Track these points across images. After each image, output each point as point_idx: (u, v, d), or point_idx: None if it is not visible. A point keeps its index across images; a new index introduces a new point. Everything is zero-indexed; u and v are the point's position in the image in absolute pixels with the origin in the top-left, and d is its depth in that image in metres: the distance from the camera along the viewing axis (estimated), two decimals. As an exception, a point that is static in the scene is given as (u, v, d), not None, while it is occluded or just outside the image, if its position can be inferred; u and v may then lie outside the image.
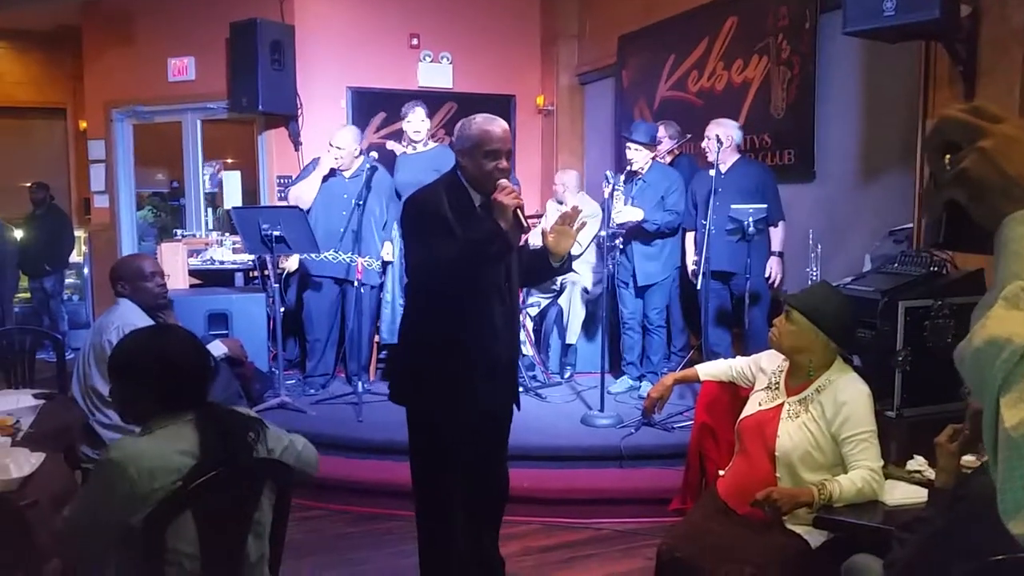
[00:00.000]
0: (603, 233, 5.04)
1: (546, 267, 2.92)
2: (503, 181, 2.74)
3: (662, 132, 5.51)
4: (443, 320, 2.84)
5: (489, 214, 2.71)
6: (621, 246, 5.05)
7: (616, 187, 5.02)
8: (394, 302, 5.63)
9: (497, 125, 2.81)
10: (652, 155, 5.18)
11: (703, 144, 4.93)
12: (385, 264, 5.59)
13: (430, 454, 2.93)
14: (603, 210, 5.01)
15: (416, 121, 5.54)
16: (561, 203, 6.03)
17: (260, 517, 2.12)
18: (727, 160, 4.90)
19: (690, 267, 5.05)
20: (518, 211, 2.68)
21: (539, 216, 6.27)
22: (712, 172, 4.81)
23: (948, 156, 0.90)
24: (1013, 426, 0.76)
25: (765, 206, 4.56)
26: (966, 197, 0.88)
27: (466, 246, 2.69)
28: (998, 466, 0.80)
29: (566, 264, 2.96)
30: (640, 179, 5.13)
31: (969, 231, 0.90)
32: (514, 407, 3.10)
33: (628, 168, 5.15)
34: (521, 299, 5.42)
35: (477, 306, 2.82)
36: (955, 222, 0.92)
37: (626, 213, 4.97)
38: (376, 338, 5.81)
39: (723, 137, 4.85)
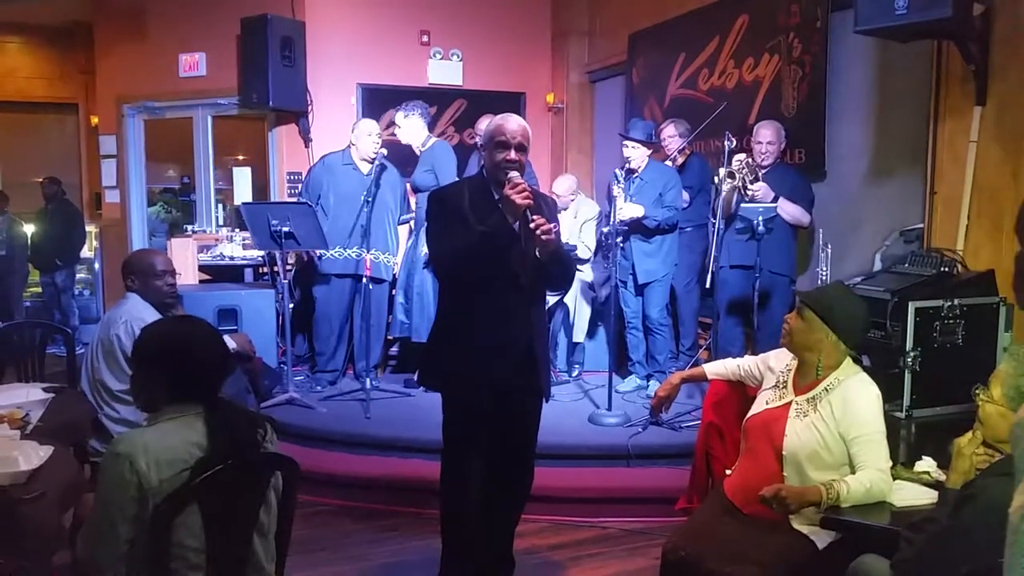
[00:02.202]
0: (605, 230, 5.03)
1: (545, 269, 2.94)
2: (514, 175, 2.77)
3: (672, 131, 5.50)
4: (458, 305, 2.97)
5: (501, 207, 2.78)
6: (622, 244, 5.04)
7: (618, 184, 5.02)
8: (409, 299, 5.60)
9: (511, 120, 2.88)
10: (648, 153, 5.17)
11: (758, 150, 4.82)
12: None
13: (454, 437, 3.02)
14: (611, 208, 5.00)
15: (402, 127, 5.56)
16: (563, 210, 6.03)
17: (267, 516, 2.12)
18: (770, 161, 4.85)
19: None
20: (527, 212, 2.72)
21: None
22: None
23: None
24: (1014, 509, 0.72)
25: (775, 205, 4.54)
26: None
27: (472, 237, 2.77)
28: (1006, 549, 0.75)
29: (558, 262, 2.96)
30: (637, 177, 5.12)
31: None
32: (542, 398, 3.09)
33: (627, 166, 5.14)
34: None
35: (489, 292, 2.87)
36: None
37: (627, 209, 4.97)
38: (387, 334, 5.81)
39: (776, 140, 4.82)
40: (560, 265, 2.96)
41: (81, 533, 2.02)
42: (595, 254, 5.83)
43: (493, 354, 2.89)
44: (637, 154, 5.10)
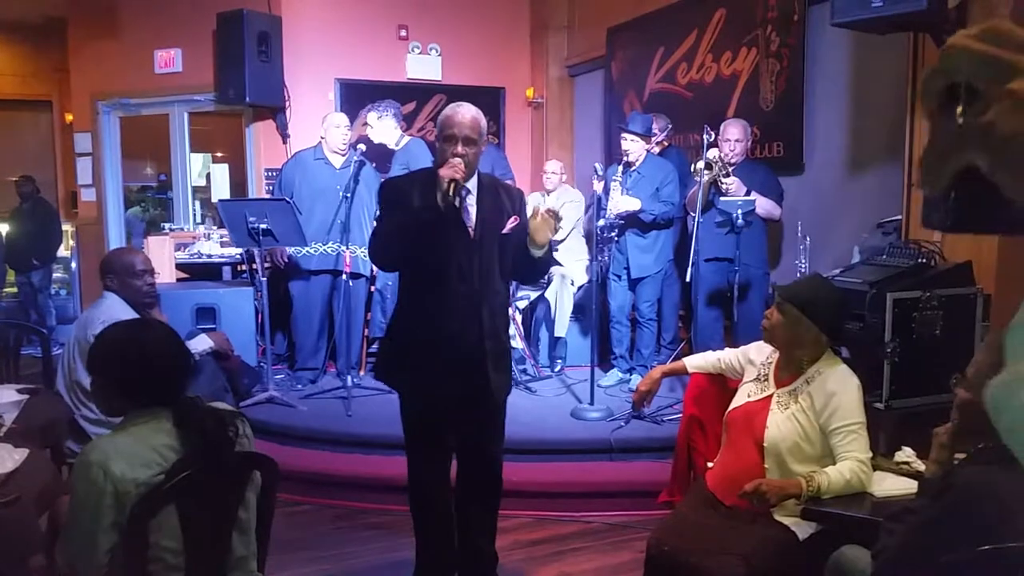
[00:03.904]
0: (602, 222, 5.02)
1: (528, 259, 2.89)
2: (456, 160, 2.74)
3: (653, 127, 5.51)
4: (407, 299, 2.96)
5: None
6: (617, 237, 5.04)
7: (613, 177, 5.02)
8: (383, 297, 5.62)
9: (460, 111, 2.81)
10: (647, 146, 5.18)
11: (726, 148, 4.81)
12: None
13: (408, 435, 2.99)
14: (596, 202, 4.99)
15: (375, 128, 5.55)
16: (550, 192, 6.05)
17: (245, 513, 2.10)
18: (737, 159, 4.86)
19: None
20: (453, 184, 2.69)
21: None
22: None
23: (961, 107, 0.63)
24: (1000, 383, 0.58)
25: (754, 198, 4.56)
26: (991, 162, 0.62)
27: (399, 217, 2.77)
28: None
29: (546, 255, 2.91)
30: (635, 170, 5.12)
31: (987, 208, 0.65)
32: (500, 395, 3.01)
33: (625, 159, 5.13)
34: (511, 291, 5.41)
35: (435, 286, 2.84)
36: (967, 197, 0.67)
37: (623, 203, 4.97)
38: (366, 331, 5.79)
39: (743, 137, 4.84)
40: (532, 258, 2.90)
41: (59, 546, 1.98)
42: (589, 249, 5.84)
43: (436, 351, 2.84)
44: (636, 147, 5.09)
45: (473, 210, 2.87)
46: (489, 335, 2.91)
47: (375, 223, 3.00)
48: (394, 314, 3.12)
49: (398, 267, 3.11)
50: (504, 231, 2.85)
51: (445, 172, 2.70)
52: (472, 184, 2.88)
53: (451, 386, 2.87)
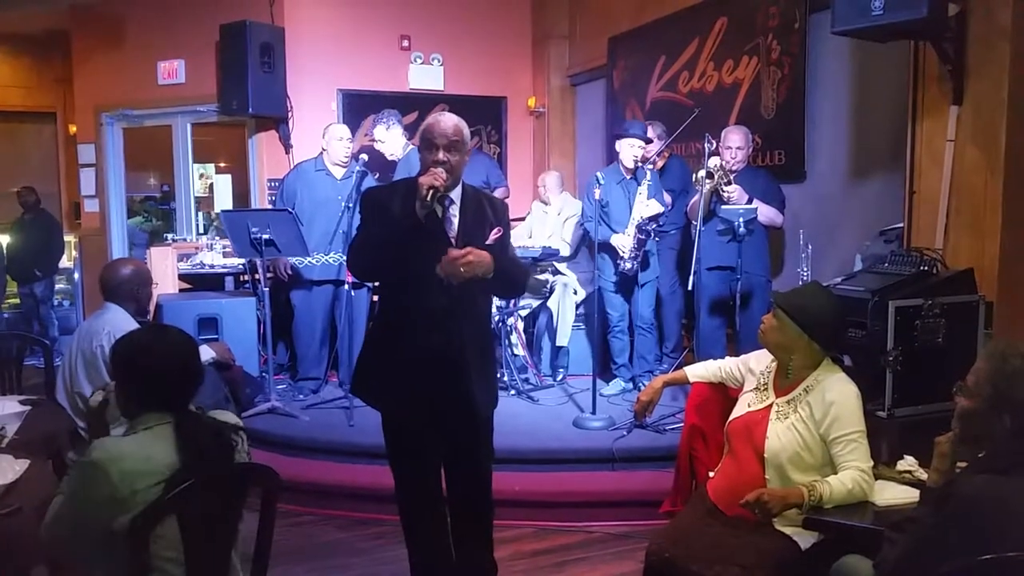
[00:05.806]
0: (652, 222, 4.99)
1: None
2: (437, 168, 2.73)
3: (650, 133, 5.51)
4: (385, 310, 2.94)
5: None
6: (652, 238, 5.03)
7: (643, 180, 5.02)
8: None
9: (443, 119, 2.80)
10: (642, 153, 5.19)
11: (727, 155, 4.80)
12: None
13: (389, 452, 2.94)
14: (596, 208, 5.00)
15: (385, 141, 5.57)
16: (546, 203, 6.05)
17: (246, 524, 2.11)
18: (739, 166, 4.85)
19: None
20: (432, 191, 2.67)
21: (520, 219, 6.30)
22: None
23: None
24: None
25: (755, 206, 4.56)
26: None
27: (378, 227, 2.75)
28: None
29: (498, 278, 2.82)
30: (632, 179, 5.12)
31: None
32: (485, 406, 2.93)
33: (635, 165, 5.10)
34: (511, 301, 5.41)
35: (410, 295, 2.78)
36: None
37: (650, 207, 4.97)
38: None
39: (744, 144, 4.85)
40: (502, 276, 2.82)
41: (45, 524, 2.00)
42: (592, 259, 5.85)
43: (414, 364, 2.77)
44: (639, 153, 5.10)
45: (456, 220, 2.83)
46: (471, 346, 2.83)
47: (356, 233, 2.93)
48: (373, 326, 3.07)
49: (375, 277, 3.06)
50: (487, 242, 2.82)
51: (424, 179, 2.68)
52: (456, 194, 2.84)
53: (432, 399, 2.80)
